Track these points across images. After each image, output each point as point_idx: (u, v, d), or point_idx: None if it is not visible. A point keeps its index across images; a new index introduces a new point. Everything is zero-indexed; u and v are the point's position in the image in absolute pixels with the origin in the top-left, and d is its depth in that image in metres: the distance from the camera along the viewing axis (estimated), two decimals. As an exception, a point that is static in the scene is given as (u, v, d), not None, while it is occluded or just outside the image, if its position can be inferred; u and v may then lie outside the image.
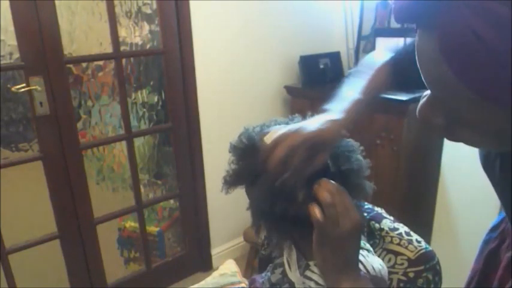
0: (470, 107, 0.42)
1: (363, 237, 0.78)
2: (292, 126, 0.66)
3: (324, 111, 0.70)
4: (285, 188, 0.64)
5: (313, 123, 0.65)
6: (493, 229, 0.82)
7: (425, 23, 0.41)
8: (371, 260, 0.70)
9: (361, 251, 0.71)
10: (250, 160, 0.70)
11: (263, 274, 0.93)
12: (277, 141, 0.64)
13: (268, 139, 0.66)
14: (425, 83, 0.45)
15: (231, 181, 0.73)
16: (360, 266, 0.67)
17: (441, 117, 0.48)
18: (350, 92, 0.72)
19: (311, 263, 0.72)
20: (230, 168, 0.73)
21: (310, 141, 0.63)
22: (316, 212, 0.60)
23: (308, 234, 0.63)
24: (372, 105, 0.73)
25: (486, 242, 0.82)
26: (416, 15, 0.42)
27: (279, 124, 0.73)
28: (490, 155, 0.63)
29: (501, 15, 0.35)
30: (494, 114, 0.41)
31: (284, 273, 0.79)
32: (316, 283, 0.70)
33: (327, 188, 0.61)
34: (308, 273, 0.72)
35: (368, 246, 0.75)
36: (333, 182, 0.62)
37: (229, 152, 0.74)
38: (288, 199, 0.65)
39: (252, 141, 0.71)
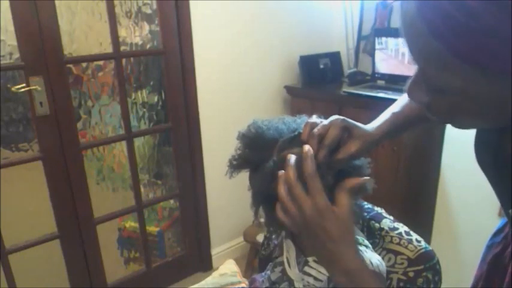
0: (451, 73, 0.42)
1: (362, 233, 0.78)
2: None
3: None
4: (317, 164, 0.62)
5: (354, 121, 0.69)
6: (496, 234, 0.81)
7: None
8: (369, 256, 0.70)
9: (359, 247, 0.71)
10: (257, 148, 0.71)
11: (263, 273, 0.93)
12: (314, 124, 0.67)
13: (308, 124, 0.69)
14: (410, 54, 0.46)
15: (237, 165, 0.74)
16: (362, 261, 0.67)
17: (424, 92, 0.49)
18: (393, 110, 0.75)
19: (309, 259, 0.72)
20: (236, 153, 0.75)
21: (346, 123, 0.66)
22: (277, 209, 0.59)
23: None
24: (409, 126, 0.76)
25: (489, 247, 0.81)
26: None
27: (286, 122, 0.75)
28: (483, 146, 0.63)
29: None
30: (475, 80, 0.41)
31: (284, 272, 0.79)
32: (315, 278, 0.70)
33: (284, 179, 0.58)
34: (307, 269, 0.72)
35: (366, 242, 0.75)
36: (292, 157, 0.60)
37: (237, 139, 0.75)
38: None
39: (260, 130, 0.73)
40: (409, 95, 0.52)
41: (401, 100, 0.77)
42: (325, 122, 0.66)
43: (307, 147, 0.59)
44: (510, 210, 0.62)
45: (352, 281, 0.56)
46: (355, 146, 0.66)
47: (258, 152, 0.71)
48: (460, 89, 0.44)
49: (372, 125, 0.72)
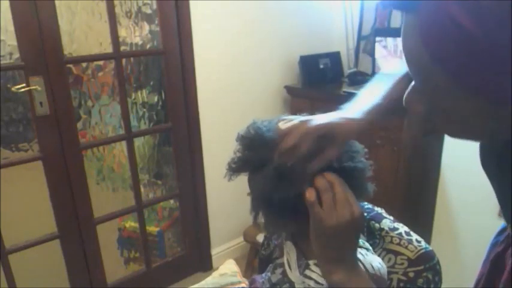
0: (447, 94, 0.43)
1: (362, 236, 0.78)
2: (308, 117, 0.67)
3: (341, 109, 0.70)
4: (290, 176, 0.64)
5: (329, 117, 0.66)
6: (500, 232, 0.81)
7: (409, 8, 0.43)
8: (370, 259, 0.70)
9: (360, 250, 0.71)
10: (257, 149, 0.71)
11: (263, 274, 0.93)
12: (291, 128, 0.64)
13: (283, 126, 0.67)
14: (408, 69, 0.46)
15: (236, 167, 0.73)
16: (359, 264, 0.67)
17: (423, 105, 0.49)
18: (370, 96, 0.72)
19: (311, 262, 0.72)
20: (236, 156, 0.74)
21: (321, 130, 0.64)
22: (311, 194, 0.61)
23: (307, 231, 0.63)
24: (390, 112, 0.73)
25: (493, 246, 0.81)
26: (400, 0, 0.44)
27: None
28: (487, 153, 0.63)
29: (482, 3, 0.35)
30: (469, 103, 0.42)
31: (284, 274, 0.79)
32: (316, 282, 0.70)
33: (327, 177, 0.62)
34: (308, 272, 0.72)
35: (367, 245, 0.75)
36: (335, 174, 0.63)
37: (236, 141, 0.74)
38: (290, 187, 0.66)
39: (259, 131, 0.72)
40: (405, 104, 0.52)
41: (389, 81, 0.74)
42: (295, 129, 0.64)
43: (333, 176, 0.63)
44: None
45: (349, 278, 0.61)
46: (331, 152, 0.65)
47: (257, 153, 0.70)
48: (459, 113, 0.45)
49: (362, 109, 0.69)
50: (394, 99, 0.70)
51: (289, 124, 0.65)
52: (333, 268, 0.61)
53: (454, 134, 0.51)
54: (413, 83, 0.50)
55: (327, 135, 0.64)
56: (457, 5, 0.36)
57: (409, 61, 0.45)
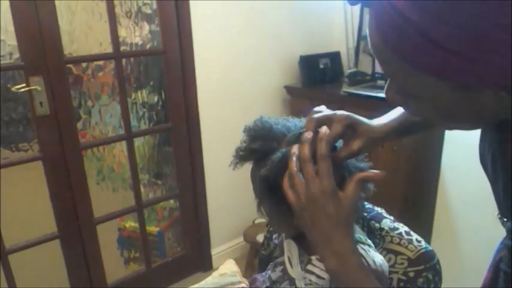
0: (409, 78, 0.46)
1: (363, 233, 0.78)
2: (333, 111, 0.68)
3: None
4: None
5: (360, 117, 0.69)
6: (506, 238, 0.81)
7: (368, 3, 0.47)
8: (372, 255, 0.71)
9: (362, 246, 0.72)
10: (265, 140, 0.71)
11: (263, 273, 0.93)
12: (321, 116, 0.66)
13: (312, 114, 0.68)
14: (379, 65, 0.49)
15: (243, 155, 0.74)
16: (357, 251, 0.67)
17: (397, 94, 0.52)
18: (392, 113, 0.75)
19: (313, 257, 0.72)
20: (242, 145, 0.74)
21: (351, 120, 0.66)
22: (284, 182, 0.61)
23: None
24: (405, 130, 0.74)
25: (498, 251, 0.81)
26: None
27: (292, 121, 0.75)
28: (485, 151, 0.63)
29: None
30: (439, 89, 0.45)
31: (284, 271, 0.79)
32: (318, 276, 0.70)
33: (297, 154, 0.60)
34: (310, 267, 0.72)
35: (369, 242, 0.75)
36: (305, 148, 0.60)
37: (243, 132, 0.75)
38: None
39: (267, 124, 0.73)
40: (386, 99, 0.55)
41: None
42: (330, 114, 0.66)
43: (324, 128, 0.61)
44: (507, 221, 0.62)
45: (343, 262, 0.57)
46: (357, 144, 0.66)
47: (265, 144, 0.71)
48: (427, 96, 0.47)
49: (380, 121, 0.71)
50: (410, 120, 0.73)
51: (318, 114, 0.67)
52: (325, 253, 0.58)
53: (446, 123, 0.53)
54: (388, 79, 0.53)
55: (355, 127, 0.66)
56: None
57: (373, 51, 0.48)
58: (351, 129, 0.66)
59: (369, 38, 0.48)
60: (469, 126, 0.53)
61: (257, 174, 0.72)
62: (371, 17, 0.46)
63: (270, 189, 0.69)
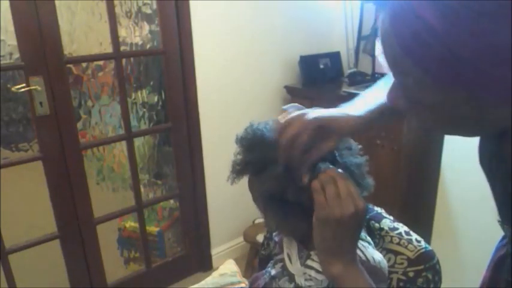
0: (426, 89, 0.44)
1: (363, 231, 0.78)
2: (306, 110, 0.68)
3: (341, 107, 0.71)
4: (291, 169, 0.65)
5: (328, 111, 0.68)
6: (504, 236, 0.81)
7: (382, 4, 0.46)
8: (371, 252, 0.71)
9: (362, 242, 0.72)
10: (258, 151, 0.71)
11: (264, 271, 0.93)
12: (290, 121, 0.66)
13: (282, 119, 0.68)
14: (386, 63, 0.47)
15: (240, 170, 0.74)
16: (360, 254, 0.68)
17: (404, 100, 0.50)
18: (372, 97, 0.73)
19: (312, 252, 0.73)
20: (237, 158, 0.74)
21: (321, 122, 0.65)
22: (316, 183, 0.62)
23: (308, 220, 0.64)
24: (391, 113, 0.72)
25: (497, 249, 0.82)
26: None
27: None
28: (485, 151, 0.63)
29: None
30: (448, 97, 0.43)
31: (284, 267, 0.80)
32: (317, 271, 0.71)
33: (329, 173, 0.62)
34: (309, 262, 0.73)
35: (369, 239, 0.76)
36: (339, 170, 0.63)
37: (236, 143, 0.75)
38: (295, 182, 0.67)
39: (258, 132, 0.72)
40: (389, 101, 0.53)
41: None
42: (299, 115, 0.66)
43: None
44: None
45: (347, 269, 0.62)
46: (327, 145, 0.67)
47: (259, 155, 0.71)
48: (440, 107, 0.46)
49: (355, 112, 0.70)
50: None
51: (288, 117, 0.66)
52: (332, 260, 0.62)
53: (447, 131, 0.52)
54: (393, 82, 0.51)
55: (325, 127, 0.65)
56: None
57: (386, 57, 0.47)
58: (321, 130, 0.66)
59: (382, 45, 0.46)
60: (469, 135, 0.52)
61: (257, 186, 0.72)
62: (388, 24, 0.44)
63: (275, 202, 0.69)
